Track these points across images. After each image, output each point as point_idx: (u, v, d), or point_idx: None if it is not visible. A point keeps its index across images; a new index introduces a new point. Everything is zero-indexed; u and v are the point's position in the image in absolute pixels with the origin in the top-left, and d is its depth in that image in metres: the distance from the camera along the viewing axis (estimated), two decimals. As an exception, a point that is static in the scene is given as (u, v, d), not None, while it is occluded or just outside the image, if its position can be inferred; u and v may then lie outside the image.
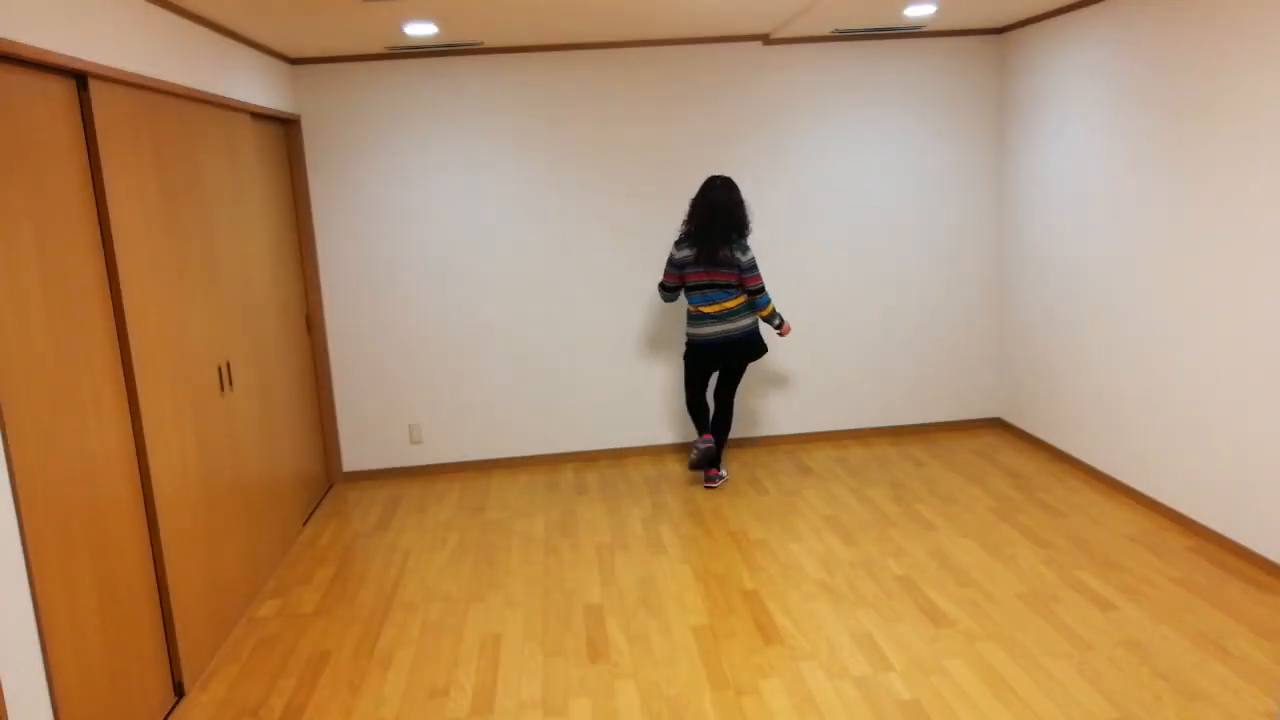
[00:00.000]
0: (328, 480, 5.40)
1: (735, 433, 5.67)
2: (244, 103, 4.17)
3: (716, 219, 4.64)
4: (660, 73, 5.25)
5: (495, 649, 3.45)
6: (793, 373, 5.64)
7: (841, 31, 5.14)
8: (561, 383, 5.51)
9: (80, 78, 2.83)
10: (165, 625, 3.16)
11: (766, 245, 5.48)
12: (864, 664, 3.18)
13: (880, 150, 5.46)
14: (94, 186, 2.89)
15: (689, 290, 4.77)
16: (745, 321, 4.76)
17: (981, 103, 5.47)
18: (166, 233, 3.33)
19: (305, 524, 4.83)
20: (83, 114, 2.85)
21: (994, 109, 5.48)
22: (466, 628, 3.62)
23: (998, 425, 5.80)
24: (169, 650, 3.18)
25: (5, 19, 2.40)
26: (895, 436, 5.74)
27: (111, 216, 2.92)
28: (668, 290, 4.81)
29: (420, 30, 4.39)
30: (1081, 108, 4.67)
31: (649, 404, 5.59)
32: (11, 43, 2.41)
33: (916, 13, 4.59)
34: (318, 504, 5.12)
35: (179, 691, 3.22)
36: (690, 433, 5.66)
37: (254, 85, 4.37)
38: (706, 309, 4.73)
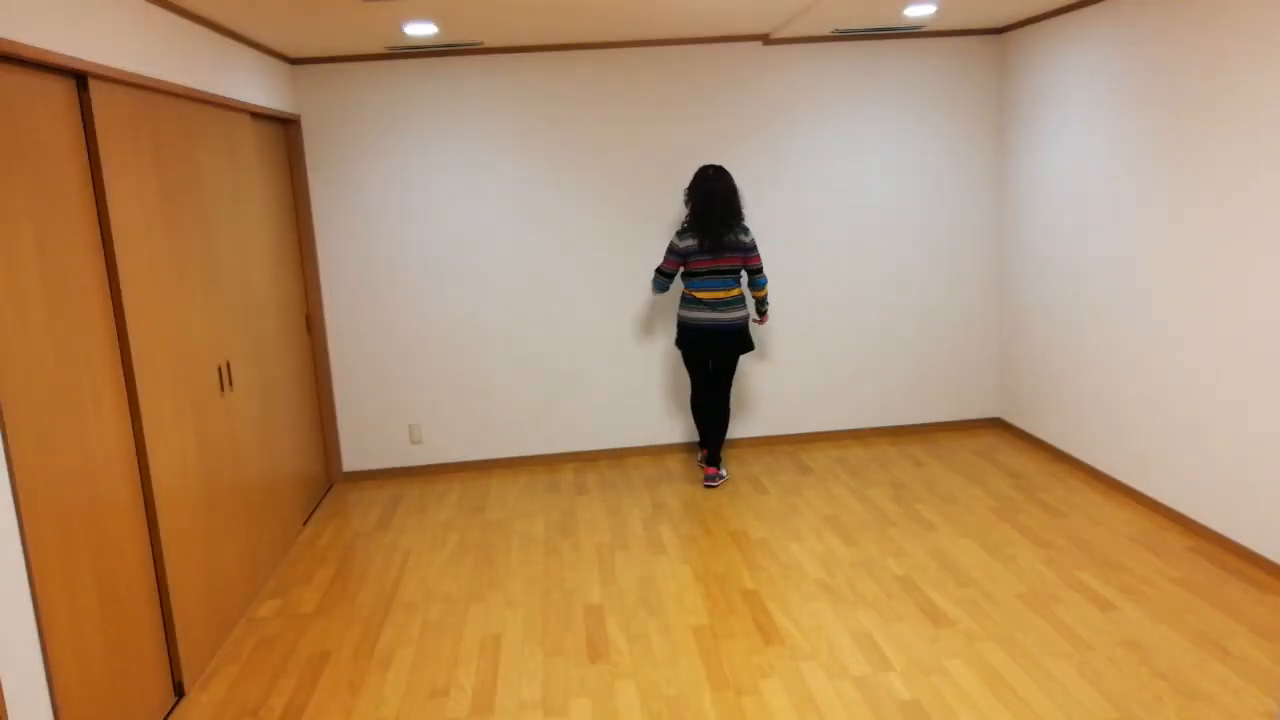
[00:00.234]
0: (328, 480, 5.40)
1: (736, 433, 5.66)
2: (244, 103, 4.17)
3: (717, 206, 4.69)
4: (660, 73, 5.25)
5: (495, 649, 3.45)
6: (793, 373, 5.64)
7: (841, 31, 5.14)
8: (561, 383, 5.51)
9: (80, 78, 2.83)
10: (165, 625, 3.16)
11: (767, 245, 5.48)
12: (864, 664, 3.18)
13: (880, 150, 5.46)
14: (94, 186, 2.89)
15: (689, 276, 4.80)
16: (739, 314, 4.84)
17: (981, 103, 5.47)
18: (166, 233, 3.33)
19: (305, 524, 4.83)
20: (83, 114, 2.85)
21: (994, 109, 5.48)
22: (466, 628, 3.62)
23: (998, 425, 5.80)
24: (169, 650, 3.18)
25: (5, 19, 2.40)
26: (895, 436, 5.74)
27: (111, 216, 2.92)
28: (665, 276, 4.81)
29: (420, 30, 4.39)
30: (1081, 107, 4.67)
31: (649, 404, 5.59)
32: (11, 43, 2.41)
33: (916, 13, 4.59)
34: (318, 504, 5.12)
35: (179, 691, 3.22)
36: (691, 432, 5.65)
37: (254, 85, 4.37)
38: (703, 295, 4.77)
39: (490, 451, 5.54)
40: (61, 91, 2.74)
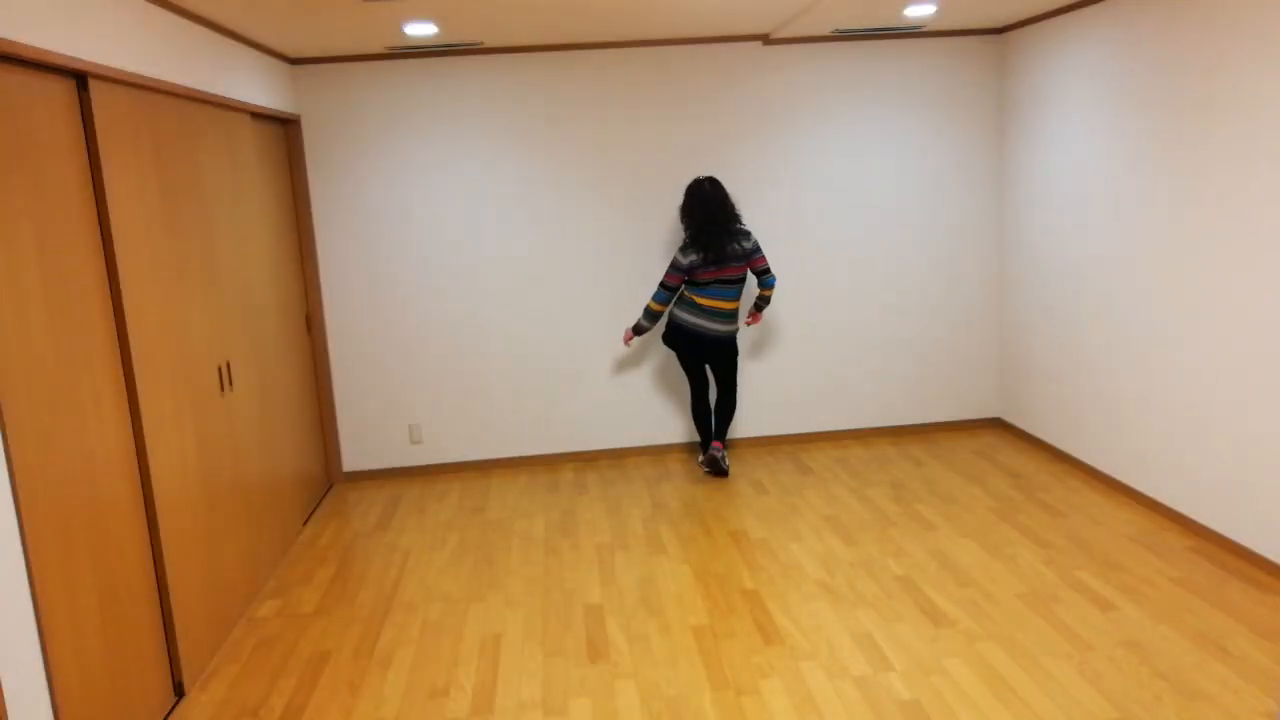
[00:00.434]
0: (328, 480, 5.40)
1: (736, 433, 5.66)
2: (244, 103, 4.17)
3: (717, 218, 4.75)
4: (660, 73, 5.25)
5: (495, 649, 3.45)
6: (793, 373, 5.64)
7: (841, 31, 5.14)
8: (561, 382, 5.51)
9: (80, 78, 2.83)
10: (165, 625, 3.16)
11: (767, 245, 5.47)
12: (864, 664, 3.18)
13: (880, 150, 5.46)
14: (94, 186, 2.89)
15: (693, 284, 4.84)
16: (732, 326, 4.96)
17: (981, 103, 5.47)
18: (166, 233, 3.33)
19: (305, 524, 4.83)
20: (83, 114, 2.85)
21: (994, 109, 5.48)
22: (466, 628, 3.62)
23: (998, 425, 5.80)
24: (169, 650, 3.18)
25: (5, 19, 2.40)
26: (895, 436, 5.74)
27: (111, 216, 2.92)
28: (670, 291, 4.85)
29: (420, 30, 4.39)
30: (1081, 107, 4.67)
31: (649, 404, 5.59)
32: (11, 43, 2.41)
33: (916, 13, 4.59)
34: (318, 504, 5.12)
35: (179, 691, 3.22)
36: (692, 432, 5.65)
37: (254, 85, 4.37)
38: (706, 302, 4.83)
39: (490, 451, 5.54)
40: (61, 91, 2.74)
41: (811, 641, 3.35)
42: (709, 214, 4.74)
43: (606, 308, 5.46)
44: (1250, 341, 3.68)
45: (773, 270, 5.44)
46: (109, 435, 2.86)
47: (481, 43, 4.92)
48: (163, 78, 3.35)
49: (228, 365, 3.80)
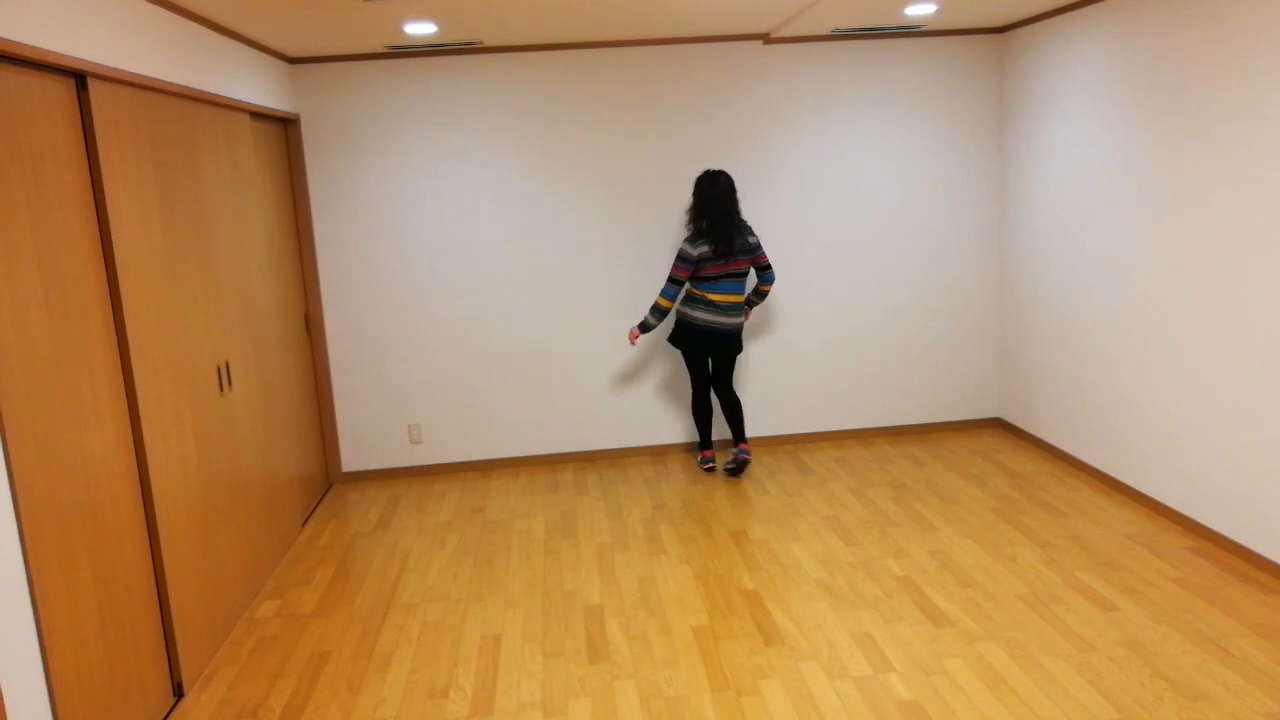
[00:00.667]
0: (327, 480, 5.39)
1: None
2: (243, 102, 4.16)
3: (726, 211, 4.73)
4: (660, 72, 5.24)
5: (495, 649, 3.44)
6: (793, 373, 5.63)
7: (842, 31, 5.14)
8: (562, 383, 5.50)
9: (79, 77, 2.83)
10: (164, 625, 3.16)
11: (766, 244, 5.47)
12: (864, 664, 3.17)
13: (880, 150, 5.45)
14: (93, 186, 2.89)
15: (700, 279, 4.82)
16: (740, 319, 4.95)
17: (981, 103, 5.46)
18: (165, 232, 3.32)
19: (304, 524, 4.83)
20: (82, 113, 2.84)
21: (994, 109, 5.48)
22: (466, 628, 3.62)
23: (998, 425, 5.80)
24: (168, 650, 3.18)
25: (5, 19, 2.39)
26: (895, 436, 5.73)
27: (110, 216, 2.91)
28: (678, 286, 4.81)
29: (420, 29, 4.38)
30: (1082, 107, 4.66)
31: (649, 404, 5.58)
32: (11, 43, 2.40)
33: (917, 12, 4.58)
34: (317, 504, 5.11)
35: (178, 692, 3.22)
36: (692, 432, 5.65)
37: (253, 85, 4.37)
38: (715, 297, 4.81)
39: (490, 451, 5.54)
40: (61, 91, 2.73)
41: (812, 642, 3.34)
42: (720, 206, 4.72)
43: (606, 307, 5.45)
44: (1250, 342, 3.68)
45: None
46: (108, 435, 2.85)
47: (481, 42, 4.91)
48: (162, 77, 3.34)
49: (227, 365, 3.80)
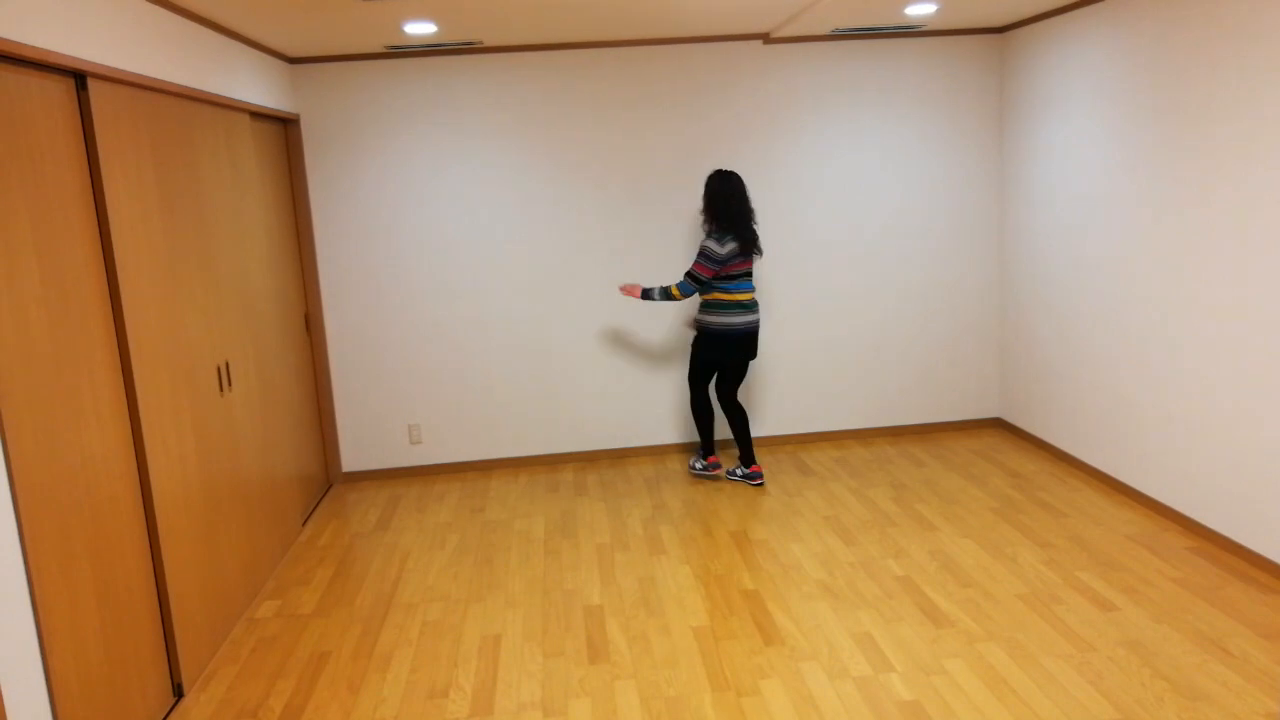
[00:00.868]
0: (327, 480, 5.39)
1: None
2: (243, 102, 4.16)
3: (747, 208, 4.63)
4: (660, 72, 5.24)
5: (495, 649, 3.44)
6: (793, 373, 5.63)
7: (842, 31, 5.14)
8: (562, 383, 5.50)
9: (79, 77, 2.83)
10: (164, 625, 3.16)
11: (766, 245, 5.47)
12: (864, 664, 3.17)
13: (880, 150, 5.45)
14: (93, 186, 2.88)
15: (727, 279, 4.65)
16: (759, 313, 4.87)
17: (982, 102, 5.46)
18: (165, 232, 3.32)
19: (304, 524, 4.83)
20: (82, 113, 2.84)
21: (994, 109, 5.48)
22: (466, 628, 3.62)
23: (998, 425, 5.80)
24: (168, 651, 3.17)
25: (5, 19, 2.39)
26: (895, 436, 5.73)
27: (110, 216, 2.91)
28: (699, 285, 4.65)
29: (419, 29, 4.38)
30: (1082, 107, 4.66)
31: (649, 404, 5.58)
32: (11, 42, 2.40)
33: (917, 12, 4.58)
34: (317, 504, 5.11)
35: (178, 692, 3.22)
36: (693, 433, 5.64)
37: (253, 84, 4.37)
38: (744, 297, 4.69)
39: (490, 451, 5.54)
40: (60, 91, 2.73)
41: (812, 642, 3.34)
42: (740, 203, 4.61)
43: (607, 306, 5.45)
44: (1250, 342, 3.68)
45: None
46: (108, 435, 2.85)
47: (480, 42, 4.91)
48: (162, 77, 3.34)
49: (226, 365, 3.80)
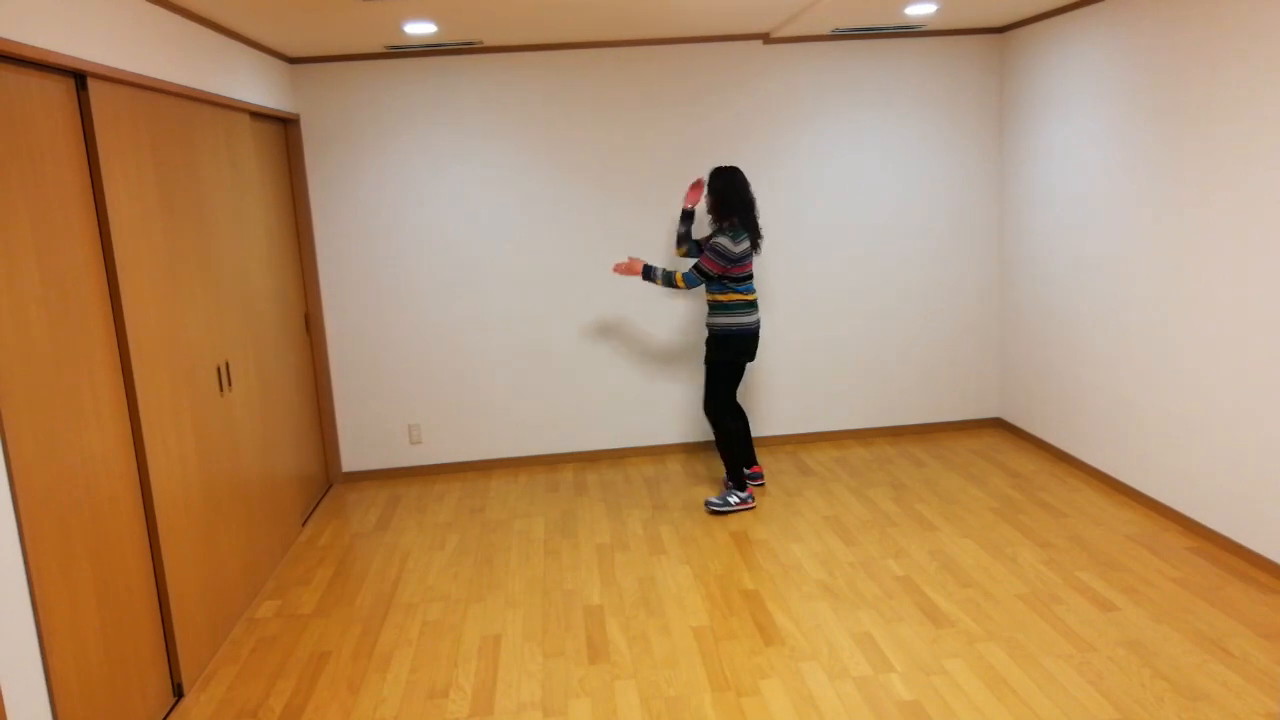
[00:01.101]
0: (327, 480, 5.39)
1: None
2: (243, 102, 4.16)
3: (754, 204, 4.50)
4: (660, 71, 5.24)
5: (495, 650, 3.44)
6: (793, 373, 5.63)
7: (842, 31, 5.14)
8: (562, 383, 5.50)
9: (79, 77, 2.83)
10: (164, 625, 3.16)
11: (766, 245, 5.47)
12: (864, 664, 3.17)
13: (880, 150, 5.45)
14: (93, 186, 2.88)
15: (737, 280, 4.48)
16: None
17: (982, 102, 5.46)
18: (165, 232, 3.32)
19: (304, 524, 4.83)
20: (82, 113, 2.84)
21: (994, 109, 5.48)
22: (466, 628, 3.62)
23: (998, 425, 5.80)
24: (168, 651, 3.17)
25: (5, 19, 2.39)
26: (895, 436, 5.73)
27: (110, 216, 2.91)
28: (704, 280, 4.46)
29: (420, 29, 4.38)
30: (1082, 107, 4.66)
31: (649, 404, 5.58)
32: (11, 43, 2.40)
33: (917, 12, 4.58)
34: (317, 504, 5.11)
35: (178, 692, 3.22)
36: (692, 433, 5.65)
37: (253, 84, 4.37)
38: (752, 297, 4.52)
39: (490, 451, 5.54)
40: (60, 91, 2.73)
41: (812, 642, 3.34)
42: (750, 200, 4.47)
43: (607, 307, 5.45)
44: (1250, 342, 3.68)
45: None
46: (108, 435, 2.85)
47: (480, 42, 4.91)
48: (162, 77, 3.34)
49: (226, 365, 3.80)
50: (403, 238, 5.26)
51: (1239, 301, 3.72)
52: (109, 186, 2.92)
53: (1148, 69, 4.15)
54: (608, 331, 5.48)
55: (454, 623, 3.67)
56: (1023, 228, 5.34)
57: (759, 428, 5.67)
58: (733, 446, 4.61)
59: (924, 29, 5.25)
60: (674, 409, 5.60)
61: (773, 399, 5.65)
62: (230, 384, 3.82)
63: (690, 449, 5.65)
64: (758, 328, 4.57)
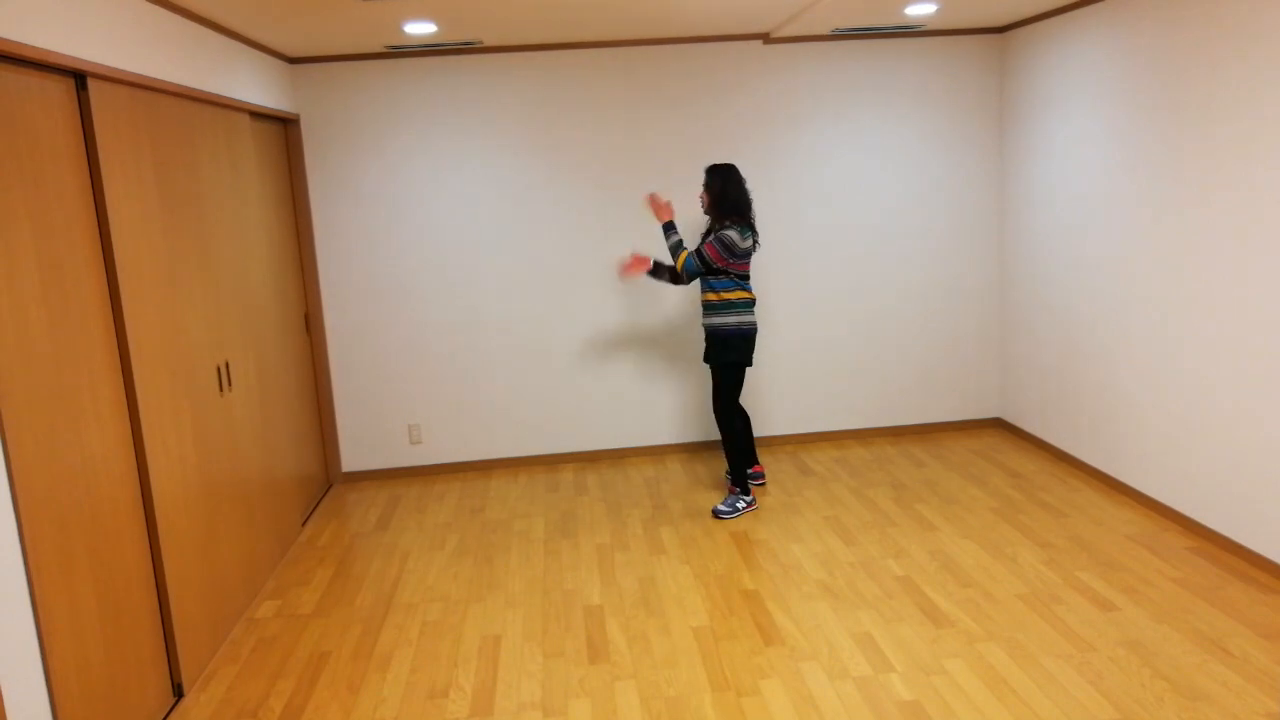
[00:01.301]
0: (327, 480, 5.39)
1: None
2: (243, 102, 4.16)
3: (751, 204, 4.43)
4: (660, 72, 5.24)
5: (495, 650, 3.44)
6: (793, 373, 5.63)
7: (842, 31, 5.14)
8: (562, 383, 5.50)
9: (79, 77, 2.83)
10: (164, 626, 3.16)
11: (766, 244, 5.47)
12: (864, 664, 3.17)
13: (880, 150, 5.45)
14: (93, 186, 2.88)
15: (740, 278, 4.40)
16: None
17: (982, 102, 5.46)
18: (165, 232, 3.32)
19: (304, 524, 4.83)
20: (82, 113, 2.84)
21: (994, 109, 5.48)
22: (466, 628, 3.62)
23: (998, 425, 5.80)
24: (168, 651, 3.17)
25: (5, 19, 2.39)
26: (895, 436, 5.73)
27: (110, 216, 2.91)
28: (705, 269, 4.35)
29: (420, 29, 4.38)
30: (1082, 107, 4.66)
31: (649, 404, 5.58)
32: (11, 43, 2.40)
33: (917, 12, 4.58)
34: (317, 504, 5.11)
35: (178, 692, 3.22)
36: (692, 433, 5.65)
37: (253, 84, 4.36)
38: (751, 295, 4.46)
39: (490, 451, 5.54)
40: (60, 91, 2.73)
41: (812, 642, 3.34)
42: (749, 200, 4.40)
43: (607, 307, 5.45)
44: (1250, 342, 3.68)
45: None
46: (108, 435, 2.85)
47: (481, 42, 4.91)
48: (162, 77, 3.34)
49: (226, 365, 3.80)
50: (403, 238, 5.26)
51: (1239, 301, 3.72)
52: (109, 186, 2.92)
53: (1148, 69, 4.15)
54: (608, 331, 5.48)
55: (454, 623, 3.67)
56: (1023, 228, 5.34)
57: (759, 428, 5.66)
58: (736, 445, 4.59)
59: (924, 29, 5.25)
60: (674, 409, 5.60)
61: (773, 399, 5.65)
62: (230, 384, 3.82)
63: (690, 449, 5.65)
64: (756, 327, 4.54)
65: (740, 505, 4.59)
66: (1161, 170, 4.11)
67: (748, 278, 4.45)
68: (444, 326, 5.37)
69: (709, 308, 4.46)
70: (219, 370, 3.72)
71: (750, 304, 4.47)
